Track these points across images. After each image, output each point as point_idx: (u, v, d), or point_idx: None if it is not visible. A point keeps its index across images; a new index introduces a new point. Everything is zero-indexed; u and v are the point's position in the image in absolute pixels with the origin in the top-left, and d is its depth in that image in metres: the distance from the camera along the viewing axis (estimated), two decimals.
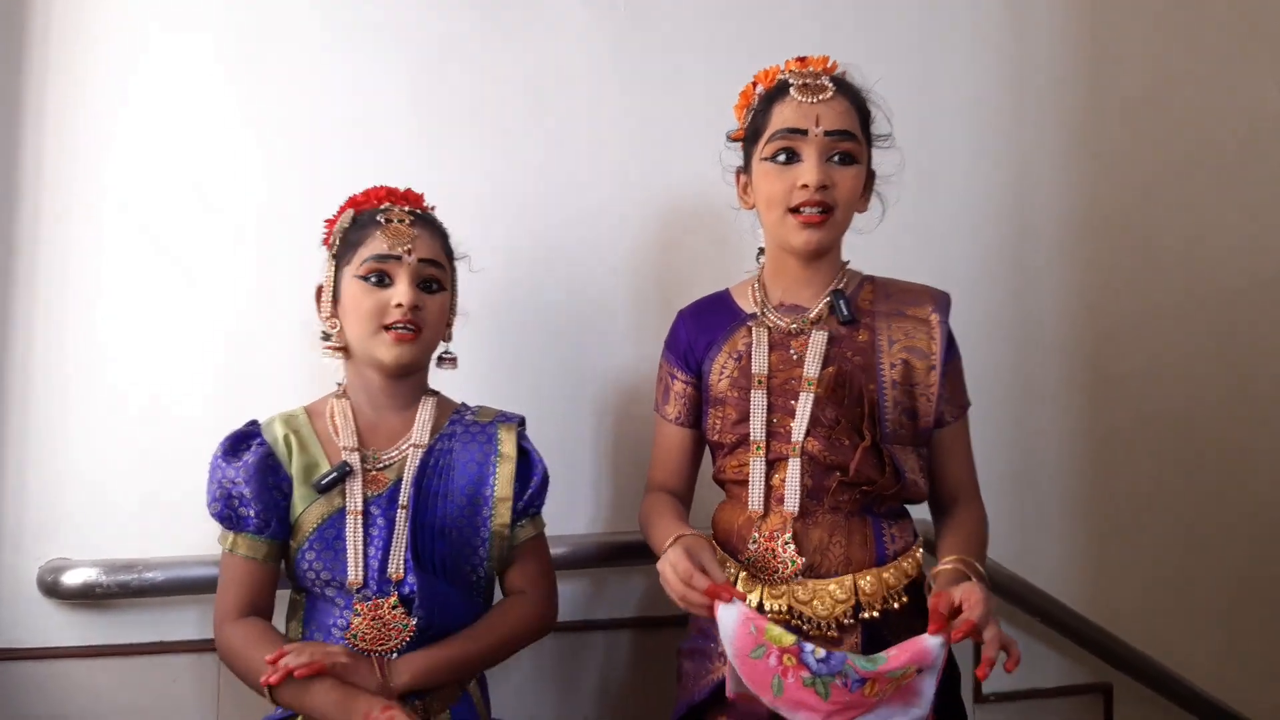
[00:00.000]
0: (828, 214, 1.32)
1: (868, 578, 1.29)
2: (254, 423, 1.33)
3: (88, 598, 1.50)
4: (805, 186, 1.30)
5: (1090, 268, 2.09)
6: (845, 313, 1.35)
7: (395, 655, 1.25)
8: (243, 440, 1.31)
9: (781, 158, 1.33)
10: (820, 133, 1.31)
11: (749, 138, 1.40)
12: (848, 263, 1.43)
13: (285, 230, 1.62)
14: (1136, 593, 2.12)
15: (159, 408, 1.57)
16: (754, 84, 1.42)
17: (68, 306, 1.55)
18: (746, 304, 1.43)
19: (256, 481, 1.26)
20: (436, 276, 1.32)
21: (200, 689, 1.55)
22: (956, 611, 1.14)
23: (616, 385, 1.75)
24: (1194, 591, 2.17)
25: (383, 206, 1.33)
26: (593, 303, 1.73)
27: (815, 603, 1.27)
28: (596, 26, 1.78)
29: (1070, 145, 2.08)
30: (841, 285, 1.40)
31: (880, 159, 1.42)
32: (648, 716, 1.71)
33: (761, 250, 1.45)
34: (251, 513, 1.26)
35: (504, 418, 1.38)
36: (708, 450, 1.47)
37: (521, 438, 1.37)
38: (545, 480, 1.37)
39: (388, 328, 1.27)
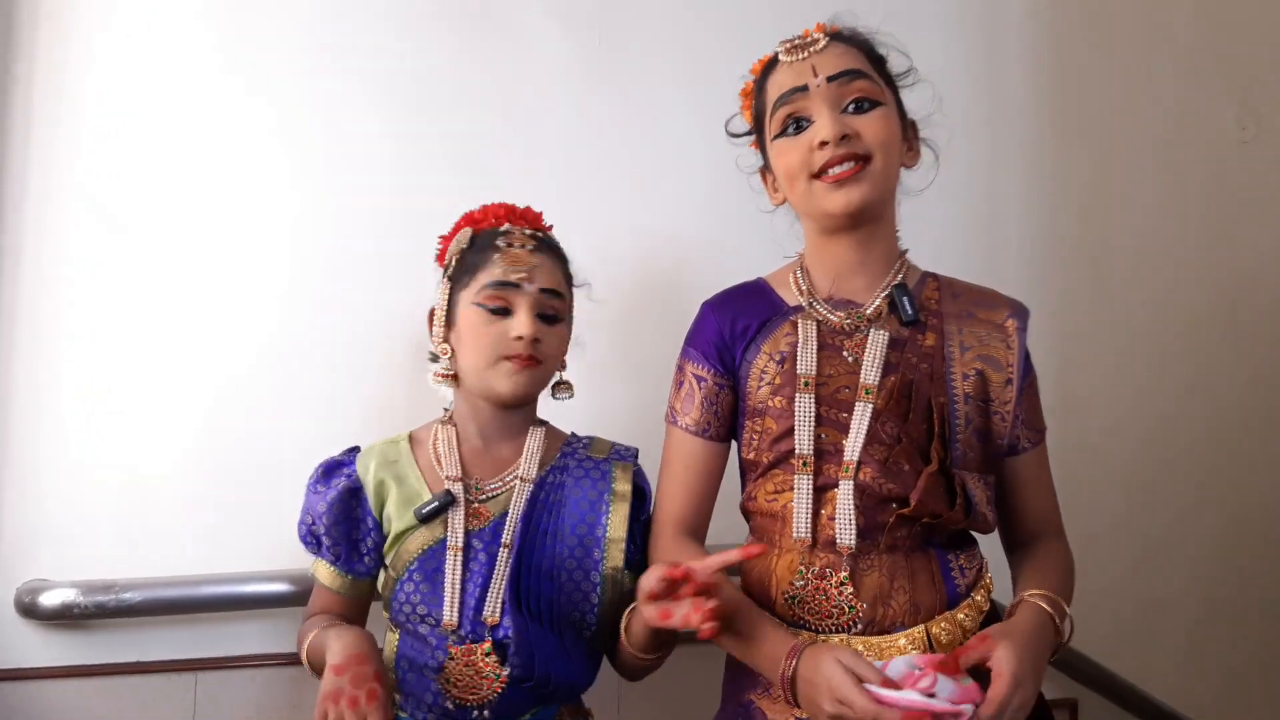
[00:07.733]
0: (861, 165, 1.11)
1: (941, 624, 1.09)
2: (353, 450, 1.29)
3: (65, 618, 1.50)
4: (824, 143, 1.11)
5: (1050, 289, 2.13)
6: (909, 311, 1.14)
7: (487, 709, 1.17)
8: (335, 469, 1.26)
9: (791, 127, 1.14)
10: (822, 81, 1.12)
11: (757, 128, 1.23)
12: (906, 251, 1.22)
13: (261, 253, 1.65)
14: (1102, 609, 2.16)
15: (140, 429, 1.58)
16: (752, 79, 1.26)
17: (47, 328, 1.56)
18: (789, 295, 1.21)
19: (331, 515, 1.23)
20: (556, 307, 1.25)
21: (177, 708, 1.56)
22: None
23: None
24: (1158, 607, 2.20)
25: (503, 228, 1.26)
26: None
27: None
28: (571, 50, 1.81)
29: (1032, 169, 2.13)
30: (901, 278, 1.18)
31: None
32: None
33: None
34: (327, 543, 1.24)
35: (618, 454, 1.29)
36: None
37: (638, 476, 1.27)
38: None
39: (508, 357, 1.21)
